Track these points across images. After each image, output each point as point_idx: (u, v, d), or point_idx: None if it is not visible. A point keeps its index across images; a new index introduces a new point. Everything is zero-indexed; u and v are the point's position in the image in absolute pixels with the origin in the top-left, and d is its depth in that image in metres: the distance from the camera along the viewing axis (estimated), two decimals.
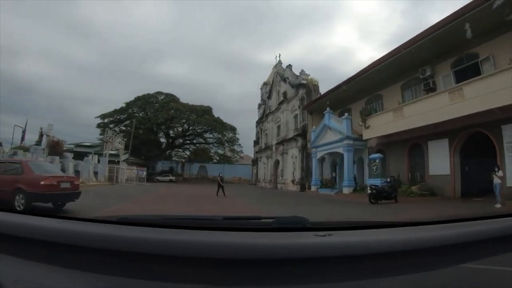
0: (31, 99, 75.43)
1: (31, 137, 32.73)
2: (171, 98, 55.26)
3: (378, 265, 1.02)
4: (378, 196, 14.67)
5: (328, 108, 26.09)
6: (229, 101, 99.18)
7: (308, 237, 1.12)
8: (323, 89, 32.41)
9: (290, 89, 37.03)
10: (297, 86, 34.66)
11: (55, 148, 26.20)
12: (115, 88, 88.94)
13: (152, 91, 56.47)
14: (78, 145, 45.59)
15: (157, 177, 50.48)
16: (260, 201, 17.74)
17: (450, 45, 16.10)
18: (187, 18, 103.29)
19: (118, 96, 72.37)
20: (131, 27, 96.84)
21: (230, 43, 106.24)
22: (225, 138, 59.15)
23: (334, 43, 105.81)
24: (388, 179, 16.05)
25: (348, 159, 23.23)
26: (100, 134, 46.61)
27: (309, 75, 35.14)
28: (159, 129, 56.76)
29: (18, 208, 8.23)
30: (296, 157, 33.70)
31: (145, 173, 42.00)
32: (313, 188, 28.07)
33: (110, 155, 36.54)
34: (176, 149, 61.96)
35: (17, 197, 8.79)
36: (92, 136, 50.39)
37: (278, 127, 40.74)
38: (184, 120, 56.76)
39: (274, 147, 40.94)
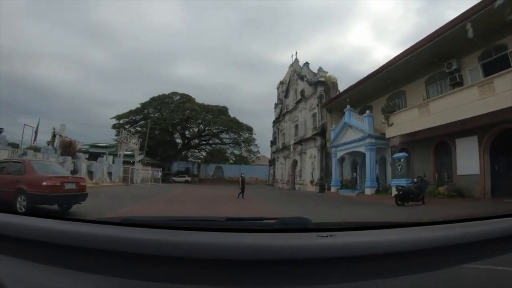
0: (48, 102, 77.66)
1: (44, 138, 33.36)
2: (186, 99, 55.60)
3: (381, 265, 1.02)
4: (405, 197, 14.13)
5: (348, 106, 25.55)
6: (244, 102, 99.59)
7: (310, 238, 1.13)
8: (339, 89, 32.19)
9: (307, 87, 36.56)
10: (315, 84, 34.19)
11: (67, 149, 26.41)
12: (131, 90, 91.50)
13: (167, 92, 57.15)
14: (93, 146, 46.17)
15: (173, 178, 50.81)
16: (280, 203, 17.29)
17: (476, 37, 15.41)
18: (202, 20, 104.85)
19: (135, 98, 73.67)
20: (148, 30, 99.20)
21: (244, 44, 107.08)
22: (242, 138, 59.45)
23: (349, 43, 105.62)
24: (415, 180, 15.42)
25: (370, 159, 22.64)
26: (116, 135, 47.24)
27: (327, 72, 34.67)
28: (175, 130, 57.24)
29: (20, 210, 7.72)
30: (315, 157, 33.20)
31: (160, 173, 42.29)
32: (333, 189, 27.58)
33: (125, 155, 36.87)
34: (192, 150, 62.41)
35: (19, 198, 8.47)
36: (108, 137, 51.09)
37: (296, 126, 40.26)
38: (200, 121, 57.20)
39: (292, 147, 40.47)
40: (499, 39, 15.31)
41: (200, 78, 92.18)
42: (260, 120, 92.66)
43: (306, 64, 39.04)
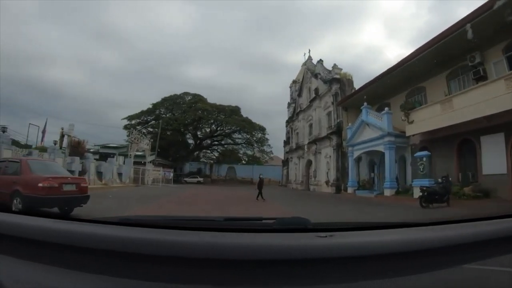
0: (61, 103, 79.19)
1: (54, 138, 33.33)
2: (198, 99, 55.76)
3: (380, 266, 1.03)
4: (430, 198, 13.52)
5: (365, 103, 24.97)
6: (255, 102, 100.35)
7: (309, 238, 1.13)
8: (348, 91, 31.70)
9: (322, 85, 36.09)
10: (330, 81, 33.65)
11: (76, 149, 26.24)
12: (144, 91, 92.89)
13: (179, 92, 57.44)
14: (104, 147, 46.38)
15: (185, 179, 50.87)
16: (300, 206, 16.59)
17: (500, 28, 14.77)
18: (212, 20, 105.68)
19: (147, 100, 74.99)
20: (159, 32, 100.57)
21: (255, 44, 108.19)
22: (254, 138, 59.34)
23: (361, 42, 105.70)
24: (440, 180, 14.79)
25: (390, 158, 21.99)
26: (127, 136, 47.50)
27: (342, 69, 34.17)
28: (187, 130, 57.41)
29: None
30: (330, 156, 32.64)
31: (172, 174, 42.26)
32: (349, 190, 27.03)
33: (136, 156, 36.92)
34: (204, 150, 62.46)
35: (15, 201, 7.92)
36: (121, 138, 51.42)
37: (310, 125, 39.79)
38: (212, 121, 57.24)
39: (306, 146, 40.02)
40: None
41: (211, 79, 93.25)
42: (272, 121, 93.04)
43: (320, 61, 38.52)
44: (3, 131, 19.59)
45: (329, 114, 34.31)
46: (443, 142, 18.94)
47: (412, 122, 20.38)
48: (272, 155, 62.54)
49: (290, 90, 52.48)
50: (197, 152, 60.78)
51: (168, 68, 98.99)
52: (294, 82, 51.06)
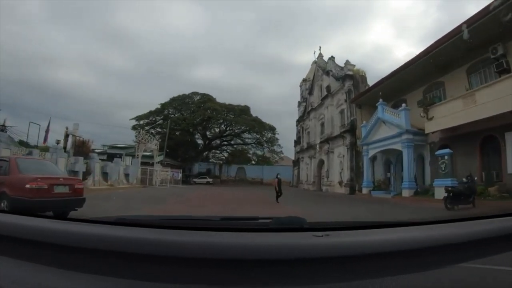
0: (70, 105, 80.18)
1: (58, 138, 33.10)
2: (207, 98, 55.71)
3: (376, 265, 1.03)
4: (456, 199, 12.73)
5: (380, 100, 24.21)
6: (264, 103, 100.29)
7: (305, 237, 1.14)
8: (362, 87, 31.04)
9: (334, 82, 35.39)
10: (343, 78, 32.85)
11: (80, 149, 25.91)
12: (153, 93, 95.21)
13: (187, 92, 57.38)
14: (111, 147, 46.31)
15: (194, 179, 50.67)
16: (316, 208, 15.41)
17: None
18: (221, 22, 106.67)
19: (156, 101, 75.71)
20: (167, 33, 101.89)
21: (262, 45, 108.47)
22: (264, 138, 59.19)
23: (368, 41, 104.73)
24: (464, 179, 13.97)
25: (408, 157, 21.11)
26: (135, 136, 47.21)
27: (355, 65, 33.33)
28: (196, 130, 57.29)
29: None
30: (343, 156, 31.91)
31: (180, 175, 42.05)
32: (364, 191, 26.21)
33: (144, 156, 36.72)
34: (213, 151, 62.34)
35: (2, 204, 7.11)
36: (129, 139, 51.45)
37: (322, 124, 39.09)
38: (221, 120, 57.13)
39: (318, 146, 39.32)
40: None
41: (219, 80, 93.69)
42: (281, 121, 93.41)
43: (332, 58, 37.80)
44: (2, 130, 19.23)
45: (342, 112, 33.55)
46: (465, 139, 18.05)
47: (431, 118, 19.54)
48: (282, 155, 62.06)
49: (300, 88, 51.91)
50: (206, 153, 60.65)
51: (176, 70, 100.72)
52: (304, 80, 50.48)
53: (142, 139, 37.05)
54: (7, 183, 7.33)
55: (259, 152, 61.81)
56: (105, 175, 24.91)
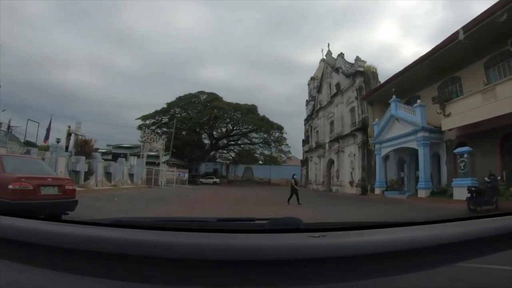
0: (77, 106, 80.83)
1: (61, 137, 32.83)
2: (213, 97, 55.52)
3: (373, 265, 1.02)
4: (480, 200, 11.95)
5: (394, 96, 23.47)
6: (270, 102, 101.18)
7: (301, 238, 1.13)
8: (373, 84, 30.34)
9: (344, 80, 34.73)
10: (353, 75, 32.14)
11: (83, 148, 25.41)
12: (160, 93, 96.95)
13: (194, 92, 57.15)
14: (117, 147, 46.05)
15: (200, 179, 50.39)
16: (334, 210, 14.27)
17: None
18: (228, 22, 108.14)
19: (163, 101, 76.44)
20: (174, 34, 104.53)
21: (269, 45, 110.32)
22: (272, 137, 58.79)
23: (375, 40, 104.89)
24: (487, 179, 13.15)
25: (424, 155, 20.33)
26: (141, 136, 47.07)
27: (366, 62, 32.58)
28: (202, 130, 57.10)
29: None
30: (354, 155, 31.17)
31: (186, 175, 41.71)
32: (377, 191, 25.44)
33: (150, 156, 36.34)
34: (220, 150, 62.04)
35: None
36: (135, 139, 51.43)
37: (331, 122, 38.44)
38: (228, 120, 56.82)
39: (327, 145, 38.61)
40: None
41: (225, 80, 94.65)
42: (288, 122, 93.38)
43: (341, 55, 37.08)
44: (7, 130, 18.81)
45: (352, 109, 32.79)
46: (484, 136, 17.28)
47: (448, 115, 18.79)
48: (290, 155, 61.68)
49: (308, 87, 51.37)
50: (213, 152, 60.34)
51: (183, 70, 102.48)
52: (312, 79, 49.96)
53: (147, 138, 36.77)
54: None
55: (266, 152, 61.58)
56: (108, 175, 24.51)
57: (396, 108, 23.24)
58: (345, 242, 1.10)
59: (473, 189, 12.34)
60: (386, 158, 26.14)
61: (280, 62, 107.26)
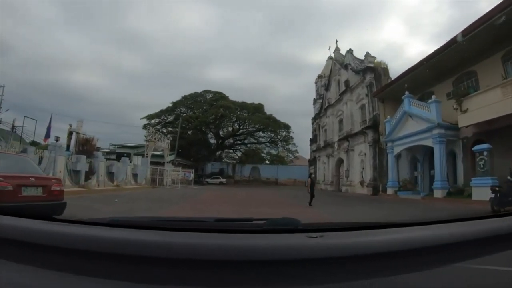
0: (84, 106, 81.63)
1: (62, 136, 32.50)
2: (219, 96, 55.33)
3: (371, 265, 1.02)
4: (505, 200, 11.25)
5: (407, 92, 22.82)
6: (277, 102, 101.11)
7: (300, 238, 1.14)
8: (384, 80, 29.75)
9: (353, 76, 34.09)
10: (363, 71, 31.46)
11: (84, 147, 24.99)
12: (166, 94, 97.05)
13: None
14: (121, 146, 45.83)
15: (207, 180, 50.06)
16: (354, 212, 12.99)
17: None
18: (233, 22, 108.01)
19: (168, 101, 76.96)
20: (180, 35, 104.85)
21: (274, 45, 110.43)
22: (279, 137, 58.41)
23: (381, 39, 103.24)
24: (509, 177, 12.45)
25: (440, 154, 19.56)
26: (145, 135, 46.97)
27: (376, 57, 31.92)
28: (208, 129, 56.87)
29: None
30: (365, 154, 30.41)
31: (192, 175, 41.22)
32: (389, 191, 24.68)
33: (155, 156, 35.94)
34: (226, 150, 61.72)
35: None
36: (141, 138, 51.46)
37: (340, 121, 37.74)
38: (234, 119, 56.55)
39: (336, 144, 37.95)
40: None
41: (231, 80, 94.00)
42: (295, 122, 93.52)
43: (350, 51, 36.52)
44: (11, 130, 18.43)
45: (362, 107, 32.06)
46: (503, 133, 16.47)
47: (465, 111, 18.04)
48: (297, 154, 61.29)
49: (316, 85, 50.64)
50: (219, 152, 59.98)
51: (190, 70, 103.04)
52: (319, 77, 49.29)
53: (152, 138, 36.44)
54: None
55: (273, 151, 61.17)
56: (111, 175, 24.04)
57: (410, 104, 22.56)
58: (343, 242, 1.11)
59: (497, 188, 11.68)
60: (398, 157, 25.41)
61: (286, 61, 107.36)
